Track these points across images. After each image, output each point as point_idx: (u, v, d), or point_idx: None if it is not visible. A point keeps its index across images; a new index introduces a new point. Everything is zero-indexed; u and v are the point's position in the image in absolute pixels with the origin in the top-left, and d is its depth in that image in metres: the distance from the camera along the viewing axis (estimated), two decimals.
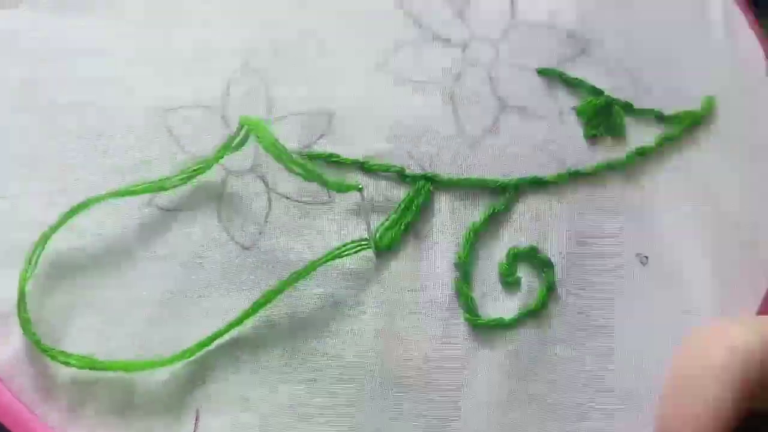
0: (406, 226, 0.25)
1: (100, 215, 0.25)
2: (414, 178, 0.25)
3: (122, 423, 0.24)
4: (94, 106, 0.26)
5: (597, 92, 0.27)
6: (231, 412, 0.24)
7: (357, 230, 0.25)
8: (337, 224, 0.25)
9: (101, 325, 0.24)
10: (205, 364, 0.24)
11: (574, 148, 0.27)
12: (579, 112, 0.27)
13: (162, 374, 0.24)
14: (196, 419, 0.24)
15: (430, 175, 0.26)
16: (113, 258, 0.25)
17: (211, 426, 0.24)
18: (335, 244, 0.25)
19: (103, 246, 0.25)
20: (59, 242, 0.24)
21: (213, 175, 0.25)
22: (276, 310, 0.24)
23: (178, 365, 0.24)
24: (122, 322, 0.24)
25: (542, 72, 0.27)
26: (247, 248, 0.25)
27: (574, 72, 0.28)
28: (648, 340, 0.25)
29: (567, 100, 0.27)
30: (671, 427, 0.23)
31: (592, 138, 0.27)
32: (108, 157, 0.26)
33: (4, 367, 0.24)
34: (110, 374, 0.24)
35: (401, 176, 0.26)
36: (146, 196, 0.25)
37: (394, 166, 0.26)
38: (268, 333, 0.24)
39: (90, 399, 0.24)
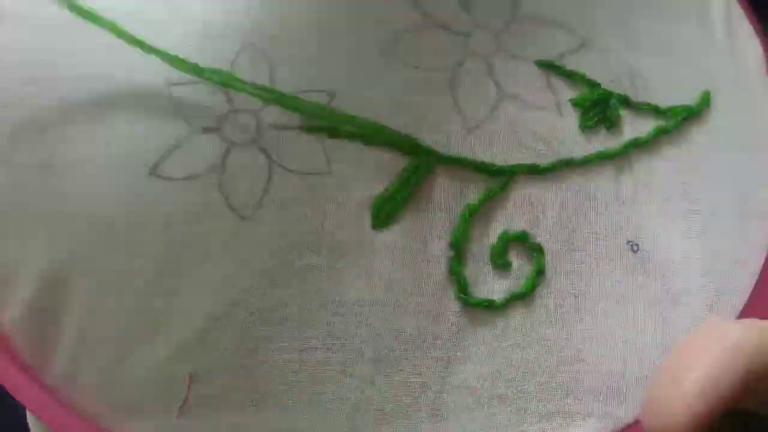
0: (404, 200, 0.25)
1: (101, 180, 0.25)
2: (415, 152, 0.26)
3: (115, 388, 0.24)
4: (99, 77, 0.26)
5: (594, 85, 0.28)
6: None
7: (356, 199, 0.25)
8: (338, 194, 0.25)
9: (93, 293, 0.24)
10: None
11: (570, 138, 0.27)
12: (576, 103, 0.28)
13: (156, 343, 0.24)
14: (189, 383, 0.24)
15: (431, 150, 0.26)
16: (111, 225, 0.25)
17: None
18: (334, 213, 0.25)
19: (101, 213, 0.25)
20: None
21: (215, 145, 0.26)
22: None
23: (172, 334, 0.24)
24: (115, 291, 0.24)
25: (541, 64, 0.28)
26: (246, 219, 0.25)
27: (573, 64, 0.28)
28: (635, 326, 0.26)
29: (565, 92, 0.28)
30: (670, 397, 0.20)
31: (588, 129, 0.28)
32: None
33: (3, 329, 0.24)
34: (107, 340, 0.24)
35: (402, 149, 0.26)
36: (149, 165, 0.25)
37: (396, 135, 0.26)
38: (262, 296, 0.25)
39: (86, 364, 0.24)
